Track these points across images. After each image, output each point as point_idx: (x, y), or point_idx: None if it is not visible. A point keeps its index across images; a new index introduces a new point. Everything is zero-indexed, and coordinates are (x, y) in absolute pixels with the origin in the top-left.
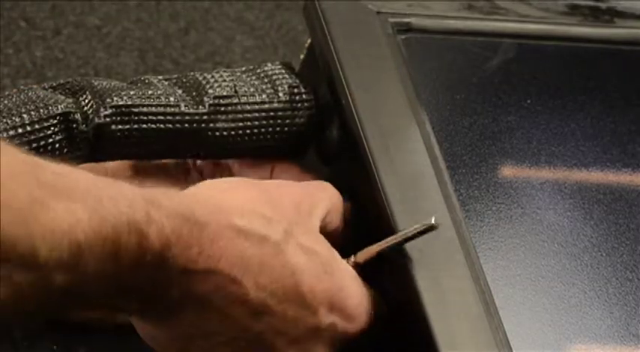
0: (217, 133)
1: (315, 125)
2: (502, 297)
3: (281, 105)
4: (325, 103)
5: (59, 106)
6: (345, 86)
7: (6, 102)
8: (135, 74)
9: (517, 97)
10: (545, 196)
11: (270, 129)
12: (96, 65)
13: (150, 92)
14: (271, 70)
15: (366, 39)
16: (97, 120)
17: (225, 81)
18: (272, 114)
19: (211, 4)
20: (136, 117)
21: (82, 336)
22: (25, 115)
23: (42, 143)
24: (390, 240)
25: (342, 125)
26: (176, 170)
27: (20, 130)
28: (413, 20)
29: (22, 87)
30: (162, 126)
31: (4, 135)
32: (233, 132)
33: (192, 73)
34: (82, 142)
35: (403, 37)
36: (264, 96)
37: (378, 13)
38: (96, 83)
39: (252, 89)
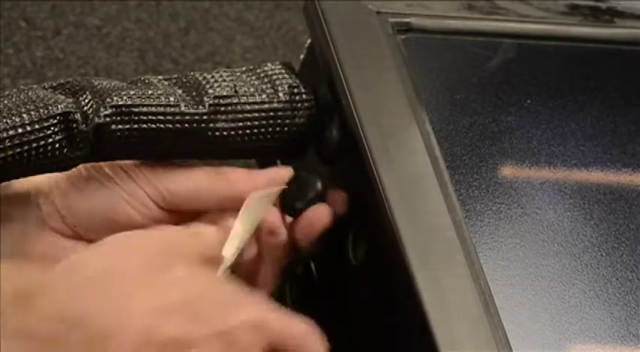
0: (217, 133)
1: (315, 125)
2: (502, 297)
3: (281, 105)
4: (325, 103)
5: (59, 106)
6: (345, 86)
7: (6, 102)
8: (135, 74)
9: (517, 97)
10: (545, 196)
11: (270, 129)
12: (96, 65)
13: (150, 92)
14: (271, 70)
15: (366, 39)
16: (97, 120)
17: (225, 81)
18: (272, 114)
19: (211, 4)
20: (136, 117)
21: None
22: (25, 115)
23: (42, 143)
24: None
25: (342, 125)
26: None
27: (20, 130)
28: (413, 20)
29: (22, 87)
30: (162, 126)
31: (4, 135)
32: (233, 132)
33: (192, 73)
34: (82, 142)
35: (403, 37)
36: (264, 96)
37: (378, 13)
38: (96, 83)
39: (252, 89)
